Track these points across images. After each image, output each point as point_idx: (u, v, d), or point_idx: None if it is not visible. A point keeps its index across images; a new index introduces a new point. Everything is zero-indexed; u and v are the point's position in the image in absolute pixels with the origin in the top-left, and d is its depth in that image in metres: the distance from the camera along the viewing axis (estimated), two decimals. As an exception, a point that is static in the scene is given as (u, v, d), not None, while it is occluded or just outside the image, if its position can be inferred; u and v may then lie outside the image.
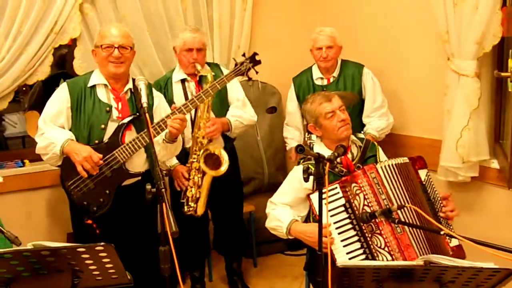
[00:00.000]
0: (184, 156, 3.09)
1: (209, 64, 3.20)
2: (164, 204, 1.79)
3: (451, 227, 2.36)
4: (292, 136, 3.58)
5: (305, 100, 2.62)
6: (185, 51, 3.06)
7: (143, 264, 2.71)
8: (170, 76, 3.18)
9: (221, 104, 3.18)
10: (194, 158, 3.03)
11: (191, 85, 3.10)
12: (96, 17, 3.43)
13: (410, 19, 3.39)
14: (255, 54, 2.81)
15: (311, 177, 2.01)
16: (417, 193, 2.32)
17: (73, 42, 3.46)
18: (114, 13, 3.49)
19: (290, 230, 2.37)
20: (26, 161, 3.48)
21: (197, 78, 3.11)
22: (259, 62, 2.80)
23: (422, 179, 2.38)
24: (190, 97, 3.04)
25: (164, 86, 3.13)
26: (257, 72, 2.81)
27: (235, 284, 3.49)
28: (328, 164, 1.93)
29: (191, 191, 3.04)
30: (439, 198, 2.38)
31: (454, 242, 2.30)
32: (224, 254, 3.53)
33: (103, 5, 3.45)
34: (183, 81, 3.13)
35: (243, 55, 2.87)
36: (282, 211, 2.44)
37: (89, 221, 2.65)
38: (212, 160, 3.02)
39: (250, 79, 2.89)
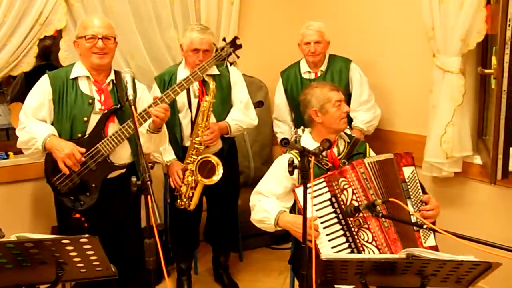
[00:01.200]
0: (182, 153, 3.09)
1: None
2: (149, 196, 1.78)
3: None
4: (282, 130, 3.59)
5: (309, 85, 2.64)
6: (191, 51, 3.00)
7: (128, 257, 2.70)
8: (175, 71, 3.13)
9: (224, 104, 3.15)
10: (190, 161, 3.02)
11: (195, 84, 3.05)
12: (82, 8, 3.40)
13: (397, 16, 3.42)
14: (235, 38, 2.80)
15: (296, 170, 2.01)
16: (394, 191, 2.31)
17: (59, 33, 3.42)
18: (100, 4, 3.46)
19: (279, 221, 2.36)
20: (10, 153, 3.43)
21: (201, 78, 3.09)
22: (240, 46, 2.79)
23: (406, 177, 2.36)
24: (192, 96, 3.06)
25: (169, 81, 3.10)
26: (238, 57, 2.80)
27: (221, 278, 3.49)
28: (313, 157, 1.94)
29: (185, 189, 3.05)
30: (420, 198, 2.36)
31: (429, 243, 2.28)
32: (212, 245, 3.53)
33: (89, -4, 3.42)
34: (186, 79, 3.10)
35: (224, 39, 2.85)
36: (269, 202, 2.44)
37: (77, 215, 2.63)
38: (208, 167, 3.01)
39: (231, 63, 2.87)
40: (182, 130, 3.11)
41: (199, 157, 3.00)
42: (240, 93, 3.20)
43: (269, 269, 3.72)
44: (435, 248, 2.27)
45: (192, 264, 3.50)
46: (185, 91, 3.03)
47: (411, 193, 2.34)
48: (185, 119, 3.11)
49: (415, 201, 2.35)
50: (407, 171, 2.38)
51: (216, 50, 2.79)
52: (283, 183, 2.46)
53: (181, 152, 3.11)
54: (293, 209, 2.49)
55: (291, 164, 1.90)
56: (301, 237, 2.25)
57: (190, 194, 3.06)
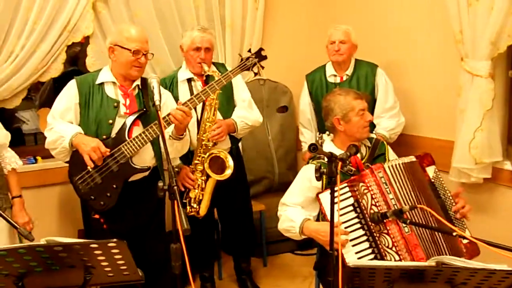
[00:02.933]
0: (188, 157, 3.07)
1: (215, 64, 3.19)
2: (176, 201, 1.79)
3: (463, 224, 2.34)
4: (307, 139, 3.58)
5: (332, 92, 2.61)
6: (192, 50, 3.03)
7: (152, 261, 2.71)
8: (175, 75, 3.16)
9: (228, 104, 3.16)
10: (198, 160, 3.01)
11: (198, 85, 3.08)
12: (109, 15, 3.45)
13: (424, 19, 3.37)
14: (261, 49, 2.81)
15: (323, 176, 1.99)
16: (425, 192, 2.30)
17: (86, 40, 3.48)
18: (126, 11, 3.51)
19: (303, 229, 2.35)
20: (39, 158, 3.50)
21: (204, 78, 3.09)
22: (265, 57, 2.80)
23: (431, 177, 2.35)
24: None
25: (170, 85, 3.12)
26: (263, 68, 2.81)
27: (244, 283, 3.48)
28: (340, 163, 1.92)
29: (194, 192, 3.02)
30: (450, 195, 2.35)
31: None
32: (232, 255, 3.53)
33: (115, 3, 3.47)
34: (189, 80, 3.11)
35: (249, 50, 2.86)
36: (294, 211, 2.44)
37: (96, 216, 2.66)
38: (217, 164, 3.01)
39: (256, 74, 2.87)
40: (188, 132, 3.06)
41: (208, 153, 2.98)
42: (242, 93, 3.21)
43: (293, 275, 3.70)
44: (473, 243, 2.24)
45: (216, 269, 3.50)
46: (188, 91, 3.08)
47: (440, 192, 2.31)
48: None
49: (446, 199, 2.33)
50: (430, 170, 2.37)
51: (241, 60, 2.79)
52: (307, 194, 2.45)
53: (187, 156, 3.06)
54: (318, 218, 2.47)
55: (318, 169, 1.89)
56: (326, 244, 2.25)
57: (200, 197, 3.03)
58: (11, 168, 2.66)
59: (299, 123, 3.67)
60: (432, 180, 2.35)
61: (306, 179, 2.44)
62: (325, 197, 2.25)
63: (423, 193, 2.29)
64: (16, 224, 1.96)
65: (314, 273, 2.81)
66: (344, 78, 3.38)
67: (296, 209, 2.45)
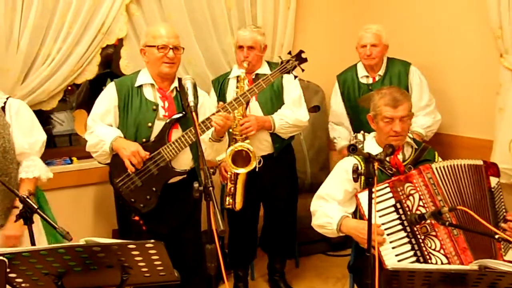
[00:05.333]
0: None
1: (269, 63, 3.22)
2: (211, 202, 1.79)
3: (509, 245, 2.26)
4: (341, 134, 3.52)
5: (380, 88, 2.56)
6: (237, 49, 3.11)
7: (187, 262, 2.73)
8: (230, 72, 3.23)
9: (273, 102, 3.15)
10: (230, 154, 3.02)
11: (245, 82, 3.07)
12: (142, 17, 3.48)
13: (460, 14, 3.29)
14: (301, 51, 2.78)
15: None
16: (479, 197, 2.23)
17: (119, 42, 3.52)
18: (159, 13, 3.53)
19: (341, 227, 2.32)
20: (74, 159, 3.56)
21: (253, 76, 3.11)
22: (305, 60, 2.78)
23: (492, 186, 2.28)
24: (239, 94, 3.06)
25: (222, 81, 3.19)
26: (303, 70, 2.79)
27: (277, 284, 3.47)
28: (377, 163, 1.89)
29: (228, 186, 3.08)
30: (503, 209, 2.27)
31: (509, 256, 2.18)
32: (268, 253, 3.51)
33: (148, 6, 3.49)
34: (238, 77, 3.11)
35: (289, 53, 2.85)
36: (331, 208, 2.40)
37: (136, 218, 2.69)
38: (242, 157, 2.99)
39: (295, 77, 2.86)
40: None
41: (230, 148, 2.98)
42: (291, 92, 3.18)
43: (326, 276, 3.67)
44: None
45: (249, 270, 3.50)
46: (234, 88, 3.08)
47: (495, 203, 2.24)
48: None
49: (500, 213, 2.26)
50: (493, 181, 2.30)
51: (281, 63, 2.77)
52: (344, 186, 2.41)
53: None
54: (354, 215, 2.43)
55: (355, 170, 1.86)
56: (365, 243, 2.21)
57: (233, 190, 3.06)
58: (24, 177, 2.52)
59: (331, 121, 3.62)
60: (492, 190, 2.27)
61: (344, 170, 2.41)
62: (364, 197, 2.21)
63: (475, 198, 2.22)
64: (54, 224, 1.99)
65: (348, 275, 2.78)
66: (377, 79, 3.33)
67: (333, 205, 2.42)
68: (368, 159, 1.85)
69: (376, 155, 1.94)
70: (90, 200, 3.57)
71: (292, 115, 3.15)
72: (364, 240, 2.21)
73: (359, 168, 1.89)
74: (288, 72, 2.77)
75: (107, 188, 2.89)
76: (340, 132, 3.53)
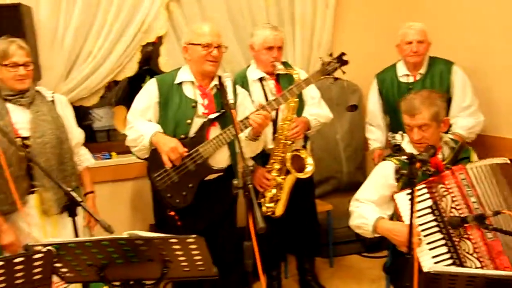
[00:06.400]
0: (262, 158, 3.05)
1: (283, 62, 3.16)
2: (251, 199, 1.80)
3: None
4: (375, 137, 3.50)
5: (410, 94, 2.51)
6: (265, 49, 2.99)
7: (219, 257, 2.74)
8: (245, 74, 3.13)
9: (300, 103, 3.09)
10: (275, 159, 2.99)
11: (270, 84, 3.06)
12: (182, 15, 3.52)
13: (504, 13, 3.19)
14: (342, 54, 2.75)
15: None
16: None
17: (158, 40, 3.56)
18: (199, 11, 3.56)
19: (377, 228, 2.30)
20: (113, 154, 3.63)
21: (275, 77, 3.08)
22: (346, 62, 2.74)
23: None
24: (269, 95, 3.04)
25: (241, 85, 3.06)
26: (344, 73, 2.76)
27: (309, 284, 3.44)
28: (419, 164, 1.86)
29: (271, 191, 3.01)
30: None
31: None
32: (295, 254, 3.50)
33: (188, 3, 3.53)
34: (261, 79, 3.09)
35: (330, 55, 2.82)
36: (367, 209, 2.38)
37: (172, 213, 2.72)
38: (297, 163, 2.98)
39: (336, 79, 2.83)
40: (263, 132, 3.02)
41: (290, 152, 2.95)
42: (310, 90, 3.14)
43: (360, 277, 3.63)
44: None
45: (282, 268, 3.49)
46: (261, 91, 3.05)
47: None
48: None
49: None
50: None
51: (323, 65, 2.75)
52: (381, 191, 2.39)
53: (261, 156, 3.02)
54: (392, 218, 2.40)
55: (398, 171, 1.83)
56: (401, 245, 2.19)
57: (277, 197, 3.01)
58: (87, 165, 2.78)
59: (367, 122, 3.59)
60: None
61: (381, 176, 2.38)
62: (401, 197, 2.19)
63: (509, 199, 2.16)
64: (97, 218, 2.04)
65: (383, 276, 2.75)
66: (418, 78, 3.26)
67: (369, 206, 2.40)
68: (411, 159, 1.82)
69: (418, 155, 1.91)
70: (128, 195, 3.64)
71: (322, 113, 3.14)
72: (399, 242, 2.20)
73: (402, 169, 1.86)
74: (329, 74, 2.74)
75: (145, 183, 2.94)
76: (374, 133, 3.50)
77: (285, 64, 3.11)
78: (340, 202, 3.66)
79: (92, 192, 2.79)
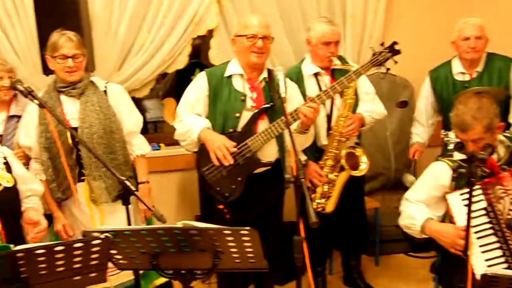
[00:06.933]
0: (314, 154, 3.03)
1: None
2: (303, 194, 1.79)
3: None
4: (419, 132, 3.43)
5: (462, 95, 2.43)
6: (322, 44, 2.94)
7: (267, 251, 2.74)
8: (300, 69, 3.10)
9: (356, 98, 3.05)
10: (329, 156, 2.96)
11: (326, 79, 3.03)
12: (233, 8, 3.53)
13: None
14: (394, 43, 2.69)
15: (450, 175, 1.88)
16: None
17: (208, 33, 3.58)
18: (249, 5, 3.56)
19: (425, 229, 2.27)
20: (162, 145, 3.69)
21: (330, 72, 3.04)
22: (398, 52, 2.68)
23: None
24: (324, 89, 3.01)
25: (296, 80, 3.04)
26: (396, 62, 2.69)
27: (354, 281, 3.41)
28: (478, 163, 1.80)
29: (323, 188, 2.99)
30: None
31: None
32: (341, 250, 3.47)
33: (239, -3, 3.53)
34: (316, 74, 3.05)
35: (382, 44, 2.76)
36: (417, 209, 2.35)
37: (221, 206, 2.73)
38: (351, 160, 2.95)
39: (388, 69, 2.77)
40: (317, 127, 2.99)
41: (345, 149, 2.92)
42: (364, 85, 3.09)
43: (407, 277, 3.56)
44: None
45: (327, 265, 3.47)
46: (316, 86, 3.01)
47: None
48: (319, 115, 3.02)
49: None
50: None
51: (374, 55, 2.70)
52: (432, 192, 2.34)
53: (314, 152, 3.01)
54: (443, 219, 2.35)
55: (456, 170, 1.78)
56: (449, 247, 2.16)
57: (329, 193, 2.99)
58: (139, 154, 2.75)
59: (414, 117, 3.51)
60: None
61: (432, 176, 2.33)
62: (454, 198, 2.14)
63: None
64: (151, 207, 2.08)
65: (430, 277, 2.69)
66: (474, 75, 3.16)
67: (419, 206, 2.35)
68: (471, 158, 1.77)
69: (478, 154, 1.85)
70: (175, 186, 3.69)
71: (377, 110, 3.09)
72: (447, 243, 2.16)
73: (460, 168, 1.81)
74: (380, 65, 2.69)
75: (192, 174, 2.97)
76: (418, 129, 3.44)
77: (342, 59, 3.07)
78: (387, 199, 3.61)
79: (145, 182, 2.75)
